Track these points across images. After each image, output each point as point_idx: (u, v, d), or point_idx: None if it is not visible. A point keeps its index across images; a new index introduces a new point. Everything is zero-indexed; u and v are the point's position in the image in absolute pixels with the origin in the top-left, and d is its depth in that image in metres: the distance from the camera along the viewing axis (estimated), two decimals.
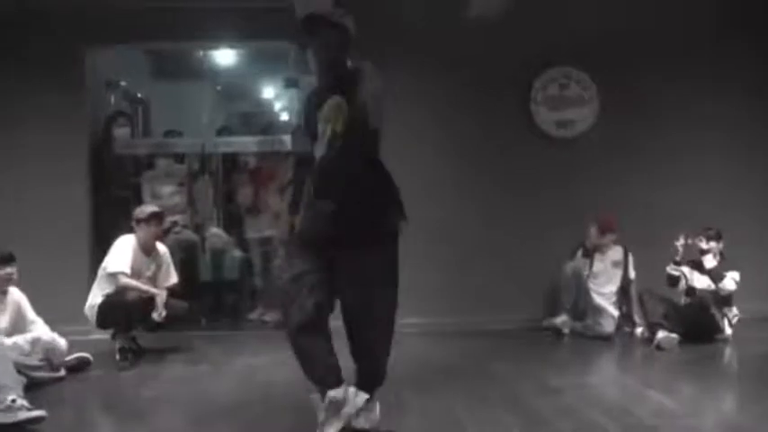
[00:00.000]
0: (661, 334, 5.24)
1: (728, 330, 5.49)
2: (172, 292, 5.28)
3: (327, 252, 3.20)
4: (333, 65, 3.21)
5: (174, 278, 5.43)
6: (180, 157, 7.21)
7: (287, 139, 7.03)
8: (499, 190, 6.25)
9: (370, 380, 3.30)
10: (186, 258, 6.66)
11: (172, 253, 5.60)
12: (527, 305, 6.09)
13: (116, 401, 4.25)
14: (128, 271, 5.06)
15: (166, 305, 5.10)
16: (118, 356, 4.97)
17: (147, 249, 5.25)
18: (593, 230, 5.91)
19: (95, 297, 5.09)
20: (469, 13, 5.93)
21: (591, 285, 5.84)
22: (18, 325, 4.52)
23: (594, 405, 3.83)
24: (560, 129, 6.36)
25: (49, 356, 4.50)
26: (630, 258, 5.88)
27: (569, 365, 5.05)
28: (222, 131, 7.89)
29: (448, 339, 5.70)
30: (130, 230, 5.28)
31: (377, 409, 3.32)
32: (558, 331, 5.82)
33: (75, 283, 5.59)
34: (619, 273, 5.86)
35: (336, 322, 3.26)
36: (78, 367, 4.75)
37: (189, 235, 6.98)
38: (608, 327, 5.74)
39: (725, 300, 5.47)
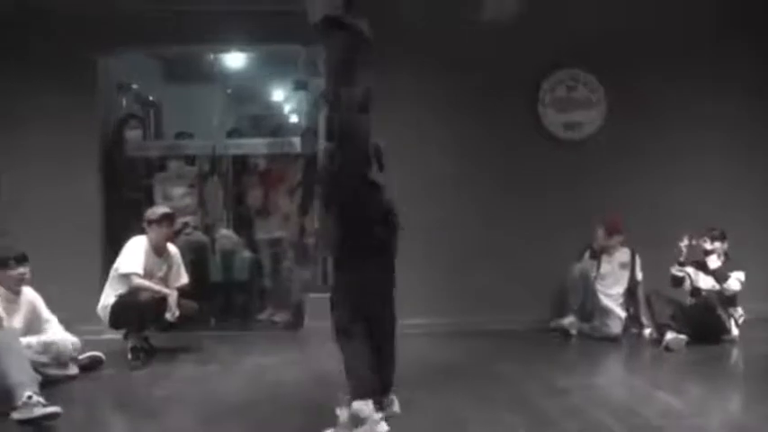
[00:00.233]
0: (670, 335, 5.26)
1: (735, 331, 5.49)
2: (182, 292, 5.33)
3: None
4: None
5: (184, 278, 5.49)
6: (191, 159, 7.25)
7: (296, 141, 7.07)
8: (507, 191, 6.27)
9: (390, 383, 3.48)
10: (196, 259, 6.69)
11: (182, 254, 5.65)
12: (534, 306, 6.12)
13: (128, 400, 4.31)
14: (141, 272, 5.11)
15: (178, 305, 5.16)
16: (130, 356, 5.03)
17: (158, 250, 5.31)
18: (600, 232, 5.93)
19: (108, 297, 5.15)
20: (482, 17, 5.96)
21: (598, 287, 5.86)
22: (33, 325, 4.57)
23: (601, 405, 3.86)
24: (568, 131, 6.38)
25: (61, 357, 4.56)
26: (638, 260, 5.89)
27: (576, 366, 5.07)
28: (232, 134, 7.92)
29: (455, 340, 5.72)
30: (142, 231, 5.34)
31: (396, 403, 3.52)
32: (565, 332, 5.84)
33: (88, 283, 5.65)
34: (626, 274, 5.88)
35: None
36: (91, 366, 4.82)
37: (199, 236, 7.03)
38: (615, 328, 5.75)
39: (730, 300, 5.48)
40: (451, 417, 3.72)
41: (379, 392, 3.38)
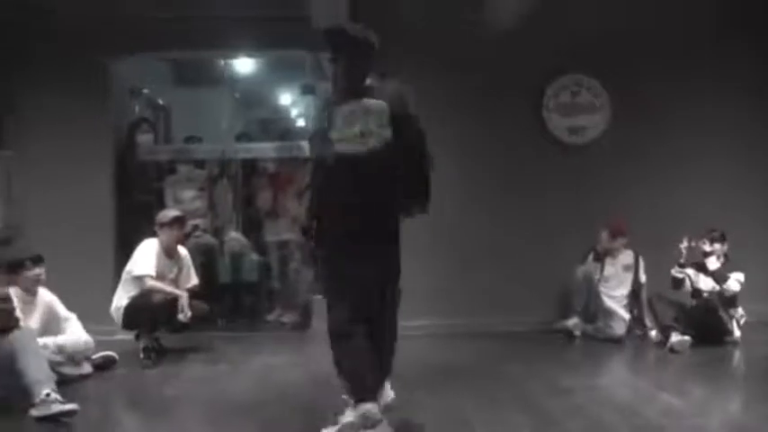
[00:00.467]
0: (674, 337, 5.29)
1: (737, 332, 5.53)
2: (192, 293, 5.40)
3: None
4: (352, 78, 3.30)
5: (194, 280, 5.57)
6: (200, 163, 7.32)
7: (304, 144, 7.14)
8: (512, 194, 6.33)
9: (386, 372, 3.47)
10: (206, 261, 6.78)
11: (192, 256, 5.73)
12: (539, 308, 6.17)
13: (140, 398, 4.41)
14: (153, 274, 5.20)
15: (189, 306, 5.23)
16: (142, 356, 5.11)
17: (169, 252, 5.40)
18: (604, 235, 5.98)
19: (121, 299, 5.24)
20: (484, 18, 5.99)
21: (602, 289, 5.91)
22: (50, 325, 4.64)
23: (604, 405, 3.90)
24: (572, 135, 6.44)
25: (75, 357, 4.65)
26: (641, 262, 5.94)
27: (580, 367, 5.10)
28: (241, 137, 7.98)
29: (459, 341, 5.77)
30: (153, 234, 5.42)
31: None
32: (569, 333, 5.89)
33: (100, 284, 5.73)
34: (630, 276, 5.93)
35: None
36: (104, 365, 4.92)
37: (208, 239, 7.11)
38: (619, 329, 5.80)
39: (730, 301, 5.50)
40: (455, 417, 3.75)
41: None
